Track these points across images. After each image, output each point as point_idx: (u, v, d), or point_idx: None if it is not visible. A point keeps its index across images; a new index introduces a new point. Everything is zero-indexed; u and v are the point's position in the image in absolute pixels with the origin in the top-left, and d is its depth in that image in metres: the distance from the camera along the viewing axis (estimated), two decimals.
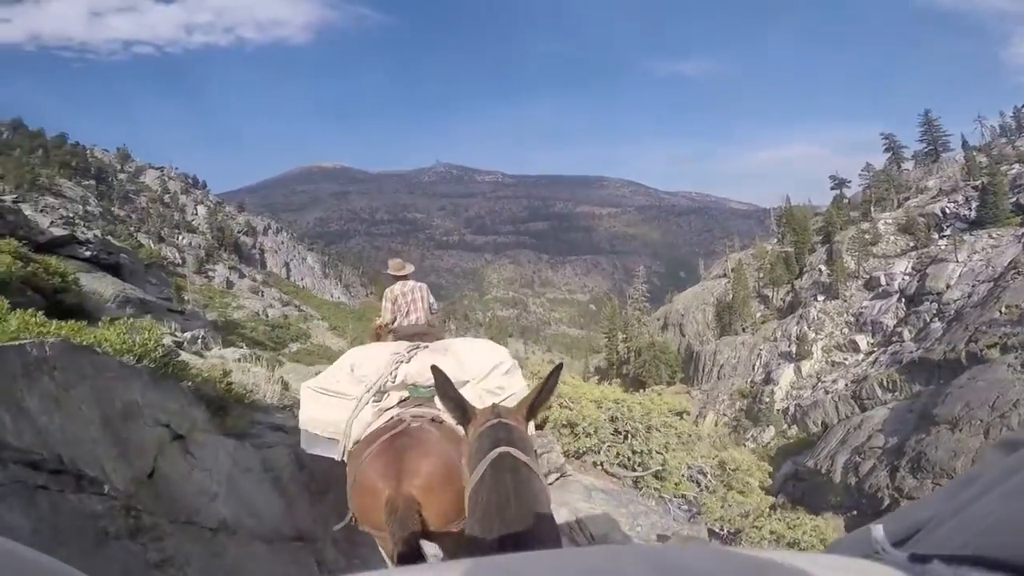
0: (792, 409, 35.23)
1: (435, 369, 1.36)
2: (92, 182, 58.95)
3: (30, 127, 60.61)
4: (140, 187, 71.90)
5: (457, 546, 2.10)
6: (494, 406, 1.34)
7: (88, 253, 8.03)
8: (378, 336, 5.84)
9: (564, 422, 7.01)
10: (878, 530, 0.57)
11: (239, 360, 6.66)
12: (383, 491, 2.05)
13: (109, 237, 13.72)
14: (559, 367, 1.42)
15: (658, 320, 60.52)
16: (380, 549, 2.41)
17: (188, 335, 7.03)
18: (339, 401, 2.65)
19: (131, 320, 3.07)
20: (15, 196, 36.48)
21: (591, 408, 7.16)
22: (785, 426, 35.14)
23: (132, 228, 52.79)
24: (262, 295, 54.61)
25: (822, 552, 0.64)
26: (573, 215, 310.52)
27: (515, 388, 2.78)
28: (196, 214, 73.09)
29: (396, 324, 5.28)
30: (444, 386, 1.34)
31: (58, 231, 8.86)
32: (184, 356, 5.39)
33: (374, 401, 2.61)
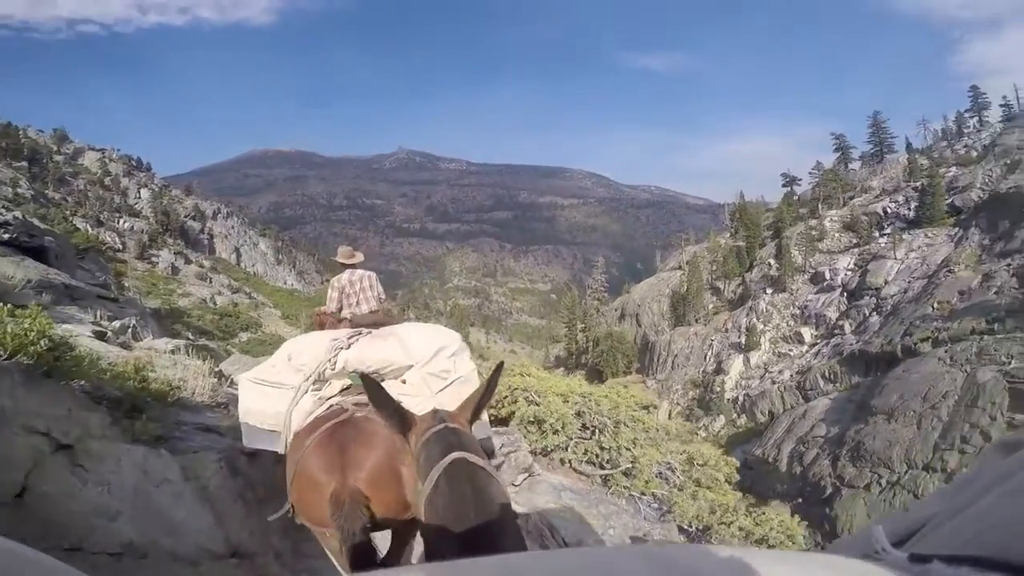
0: (741, 399, 36.53)
1: (366, 379, 1.33)
2: (24, 164, 55.31)
3: None
4: (78, 169, 68.13)
5: (409, 534, 2.10)
6: (435, 411, 1.30)
7: (7, 236, 7.25)
8: (321, 325, 5.82)
9: (531, 418, 6.78)
10: (878, 530, 0.57)
11: (172, 351, 6.08)
12: (327, 484, 1.96)
13: (35, 220, 12.61)
14: (500, 367, 1.43)
15: (616, 311, 61.55)
16: (323, 545, 2.33)
17: (116, 324, 6.36)
18: (278, 391, 2.59)
19: (7, 307, 2.59)
20: None
21: (558, 403, 6.93)
22: (735, 415, 36.43)
23: (68, 212, 49.82)
24: (210, 282, 52.30)
25: (822, 552, 0.64)
26: (536, 205, 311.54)
27: (462, 371, 2.74)
28: (139, 198, 69.80)
29: (348, 314, 5.16)
30: (378, 395, 1.28)
31: None
32: (103, 348, 4.88)
33: (314, 389, 2.56)
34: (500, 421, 6.96)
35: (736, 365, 39.51)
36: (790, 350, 38.48)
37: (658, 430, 7.86)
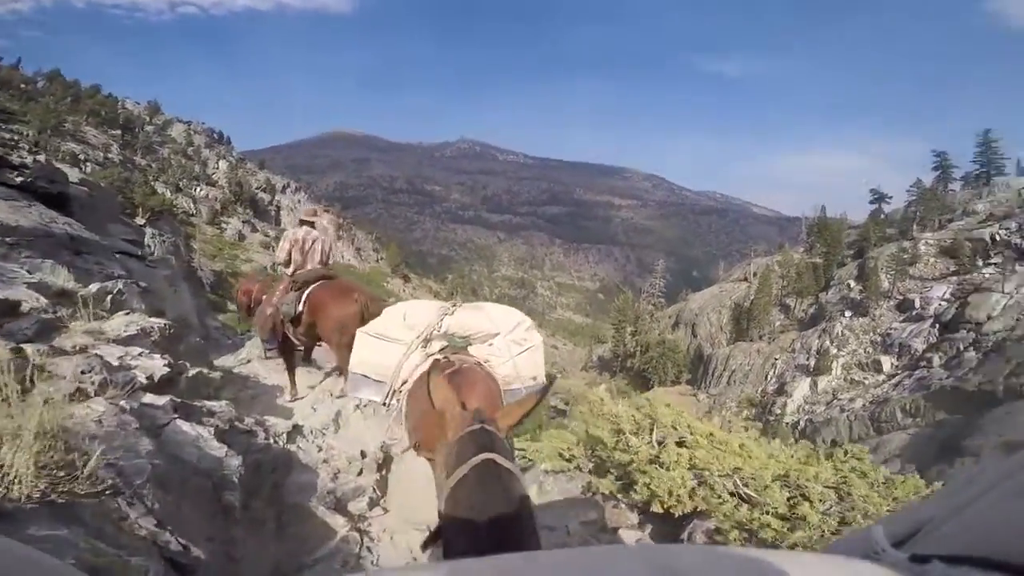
0: (803, 424, 33.69)
1: None
2: (119, 132, 58.65)
3: (68, 79, 60.35)
4: (166, 139, 71.93)
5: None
6: (478, 410, 1.38)
7: (19, 179, 6.48)
8: (248, 292, 6.53)
9: (745, 524, 5.08)
10: (878, 530, 0.57)
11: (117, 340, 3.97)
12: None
13: (62, 165, 12.14)
14: (550, 383, 1.67)
15: (670, 318, 58.94)
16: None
17: (93, 288, 4.95)
18: (391, 346, 2.89)
19: None
20: (35, 139, 36.32)
21: (777, 494, 4.92)
22: (792, 440, 33.58)
23: (151, 176, 52.49)
24: (272, 250, 53.98)
25: (822, 552, 0.64)
26: (592, 203, 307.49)
27: (535, 340, 3.08)
28: (217, 168, 72.95)
29: (293, 269, 5.58)
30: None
31: None
32: None
33: (421, 347, 2.85)
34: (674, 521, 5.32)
35: (801, 388, 36.56)
36: (865, 378, 35.16)
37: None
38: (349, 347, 4.84)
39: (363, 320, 4.85)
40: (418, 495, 3.99)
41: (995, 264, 35.28)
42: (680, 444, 5.94)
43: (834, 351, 37.57)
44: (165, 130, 75.85)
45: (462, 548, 1.00)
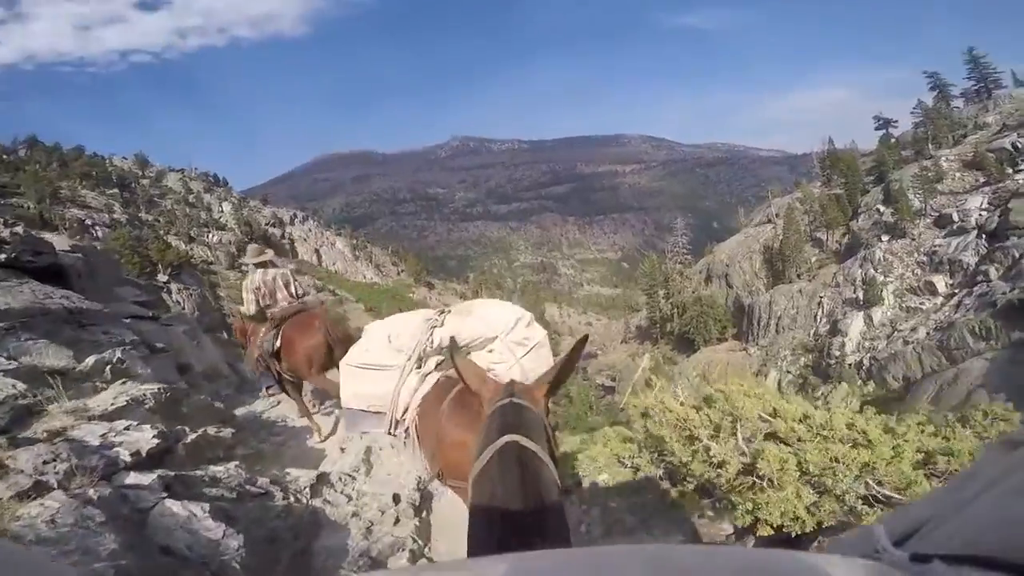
0: (867, 363, 32.34)
1: (452, 353, 1.43)
2: (115, 190, 58.75)
3: (45, 143, 60.57)
4: (163, 190, 72.12)
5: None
6: (512, 382, 1.28)
7: (2, 256, 6.13)
8: (243, 332, 6.43)
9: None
10: (878, 529, 0.57)
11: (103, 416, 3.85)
12: (470, 439, 1.86)
13: (45, 235, 11.79)
14: (584, 339, 1.41)
15: (700, 273, 57.42)
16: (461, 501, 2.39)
17: (90, 361, 4.74)
18: (383, 373, 2.68)
19: None
20: (38, 210, 35.94)
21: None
22: (860, 382, 32.32)
23: (161, 231, 53.16)
24: (316, 289, 54.56)
25: (822, 552, 0.63)
26: (596, 175, 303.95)
27: (538, 336, 2.87)
28: (222, 211, 73.16)
29: (269, 313, 5.49)
30: (464, 368, 1.37)
31: None
32: None
33: (416, 369, 2.66)
34: None
35: (856, 324, 35.08)
36: (922, 303, 33.55)
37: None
38: (320, 373, 4.87)
39: (329, 348, 5.08)
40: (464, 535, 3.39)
41: None
42: (771, 437, 5.02)
43: (881, 278, 35.96)
44: (160, 181, 75.88)
45: (481, 543, 0.94)
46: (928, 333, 30.51)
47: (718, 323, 46.87)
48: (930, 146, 44.44)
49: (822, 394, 33.41)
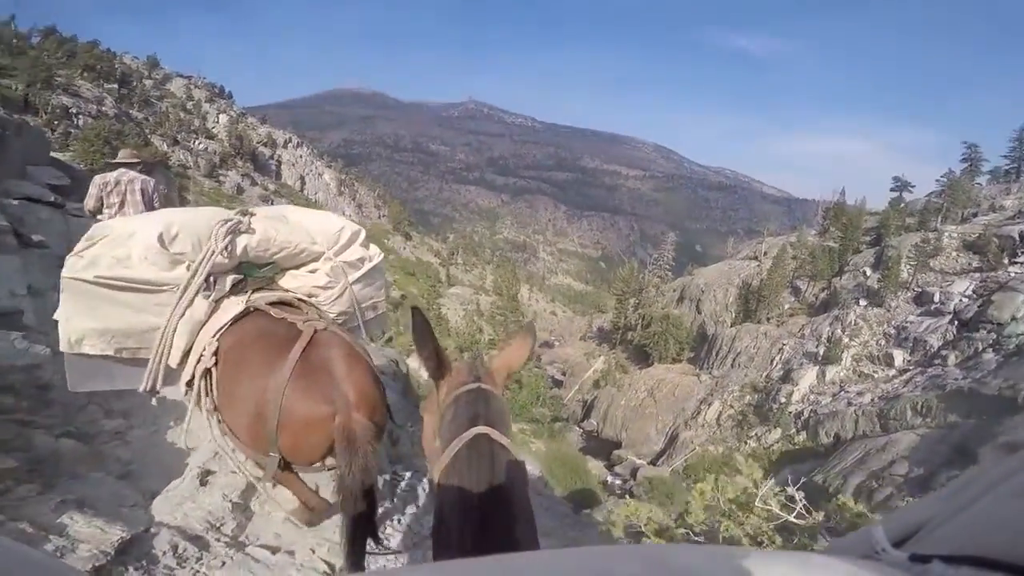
0: (807, 414, 32.74)
1: (416, 314, 1.07)
2: (115, 86, 56.78)
3: (63, 34, 57.78)
4: (165, 94, 70.25)
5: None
6: (474, 364, 1.17)
7: None
8: None
9: None
10: (878, 530, 0.57)
11: None
12: (329, 417, 1.68)
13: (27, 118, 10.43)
14: (532, 326, 1.30)
15: (674, 291, 57.42)
16: (296, 494, 2.07)
17: None
18: (144, 297, 1.81)
19: None
20: (24, 92, 34.54)
21: None
22: (793, 431, 32.76)
23: (148, 130, 50.67)
24: (271, 203, 52.76)
25: (822, 552, 0.63)
26: (598, 171, 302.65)
27: (376, 258, 2.40)
28: (217, 122, 71.60)
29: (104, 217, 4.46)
30: (423, 334, 1.07)
31: None
32: None
33: (204, 290, 1.88)
34: None
35: (808, 377, 35.48)
36: (875, 372, 34.06)
37: None
38: None
39: None
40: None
41: (1022, 263, 33.68)
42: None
43: (846, 340, 36.36)
44: (164, 85, 73.66)
45: (452, 543, 0.90)
46: (873, 400, 30.99)
47: (678, 343, 46.92)
48: (938, 219, 43.88)
49: (755, 434, 33.84)
